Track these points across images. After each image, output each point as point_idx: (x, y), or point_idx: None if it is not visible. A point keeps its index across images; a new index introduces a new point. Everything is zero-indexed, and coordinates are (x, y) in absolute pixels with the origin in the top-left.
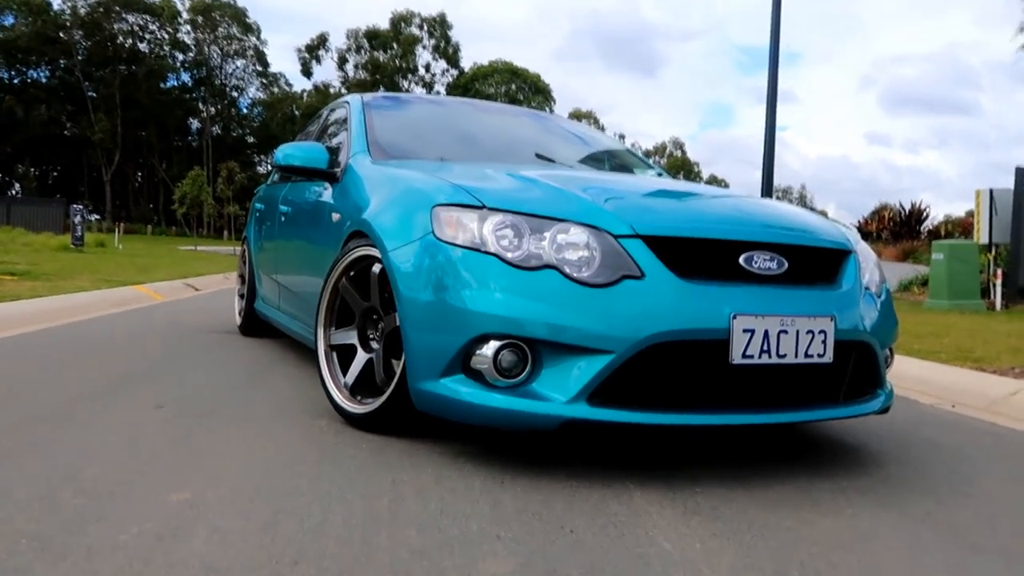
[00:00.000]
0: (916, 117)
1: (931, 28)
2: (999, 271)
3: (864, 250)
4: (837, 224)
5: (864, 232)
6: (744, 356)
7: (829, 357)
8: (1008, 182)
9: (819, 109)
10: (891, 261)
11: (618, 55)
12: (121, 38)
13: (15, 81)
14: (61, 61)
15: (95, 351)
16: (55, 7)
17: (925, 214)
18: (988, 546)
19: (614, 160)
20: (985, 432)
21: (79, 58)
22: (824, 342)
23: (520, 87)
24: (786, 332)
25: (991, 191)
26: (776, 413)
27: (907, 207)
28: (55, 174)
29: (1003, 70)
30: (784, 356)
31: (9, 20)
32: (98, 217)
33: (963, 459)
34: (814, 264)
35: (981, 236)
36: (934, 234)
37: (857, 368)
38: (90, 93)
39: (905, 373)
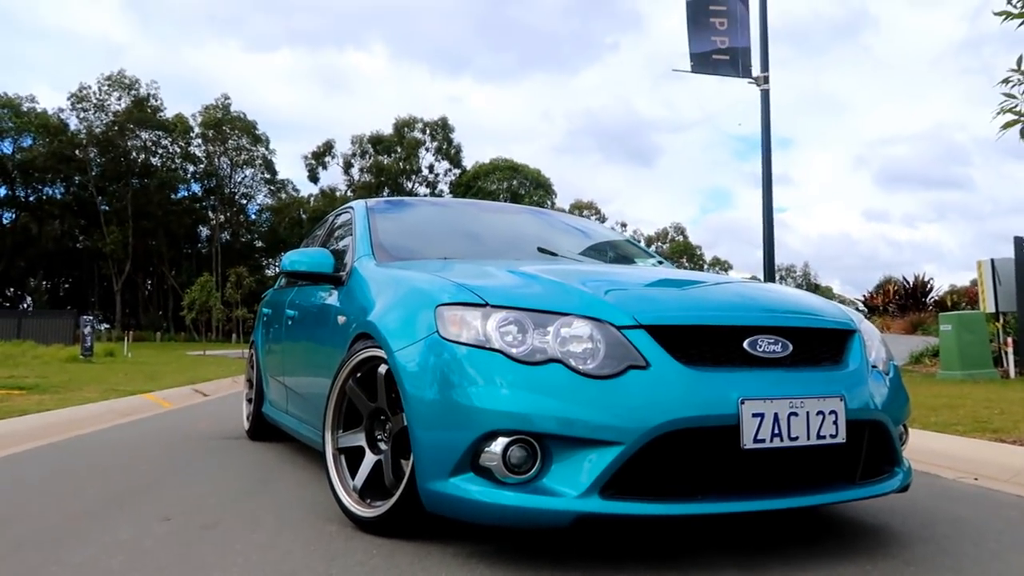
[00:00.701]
0: (911, 192)
1: (916, 109)
2: (1009, 339)
3: (868, 328)
4: (839, 305)
5: (870, 306)
6: (756, 440)
7: (842, 437)
8: (1007, 251)
9: (815, 190)
10: (900, 334)
11: (615, 148)
12: (135, 154)
13: (31, 199)
14: (76, 178)
15: (100, 464)
16: (72, 127)
17: (930, 285)
18: None
19: (615, 251)
20: (1011, 505)
21: (93, 174)
22: (836, 422)
23: (521, 182)
24: (796, 414)
25: (992, 261)
26: (792, 497)
27: (911, 279)
28: (67, 285)
29: (990, 145)
30: (796, 438)
31: (28, 142)
32: (108, 326)
33: (989, 534)
34: (819, 345)
35: (987, 305)
36: (940, 304)
37: (872, 447)
38: (103, 207)
39: (924, 447)
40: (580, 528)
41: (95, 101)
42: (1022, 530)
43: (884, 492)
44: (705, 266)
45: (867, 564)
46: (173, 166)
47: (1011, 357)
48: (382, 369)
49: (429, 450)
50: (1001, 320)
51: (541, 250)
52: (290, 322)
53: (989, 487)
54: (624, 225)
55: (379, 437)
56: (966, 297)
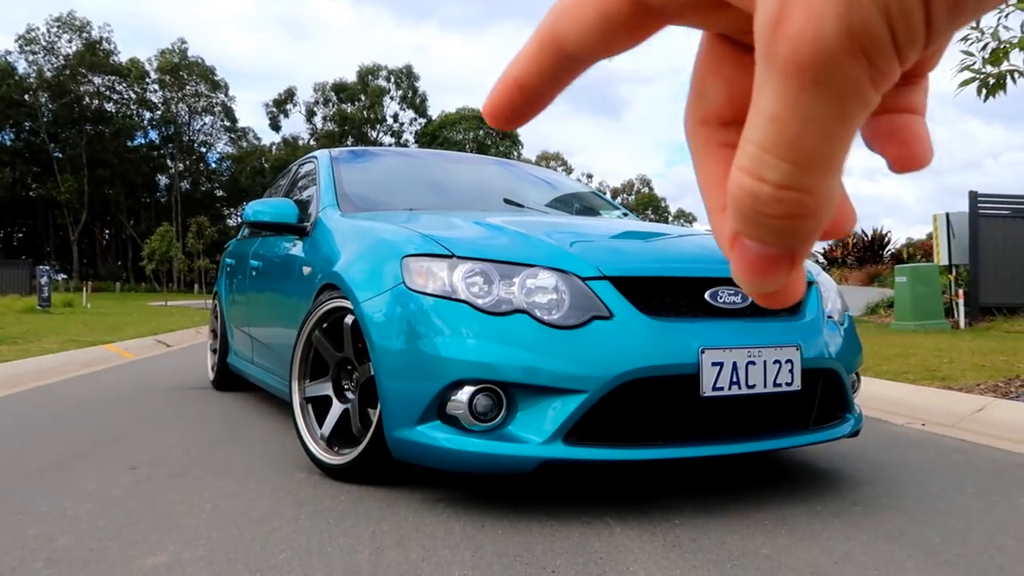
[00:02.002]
0: None
1: None
2: (961, 291)
3: (825, 280)
4: None
5: (830, 259)
6: (714, 389)
7: (797, 385)
8: (963, 205)
9: None
10: (857, 285)
11: (583, 99)
12: (88, 99)
13: None
14: (27, 124)
15: (63, 416)
16: (20, 71)
17: (887, 239)
18: (960, 563)
19: (580, 203)
20: (954, 449)
21: (45, 120)
22: (791, 371)
23: (488, 133)
24: (754, 363)
25: (947, 215)
26: (748, 442)
27: (870, 233)
28: (20, 235)
29: (947, 101)
30: (753, 386)
31: None
32: (65, 276)
33: (934, 477)
34: None
35: (941, 258)
36: (897, 257)
37: (825, 394)
38: (56, 154)
39: (876, 394)
40: (544, 473)
41: (44, 43)
42: (964, 472)
43: (836, 437)
44: (670, 218)
45: (817, 505)
46: (129, 112)
47: (962, 308)
48: (348, 320)
49: (396, 399)
50: (954, 272)
51: (507, 201)
52: (254, 273)
53: (936, 432)
54: (590, 177)
55: (346, 386)
56: (922, 250)
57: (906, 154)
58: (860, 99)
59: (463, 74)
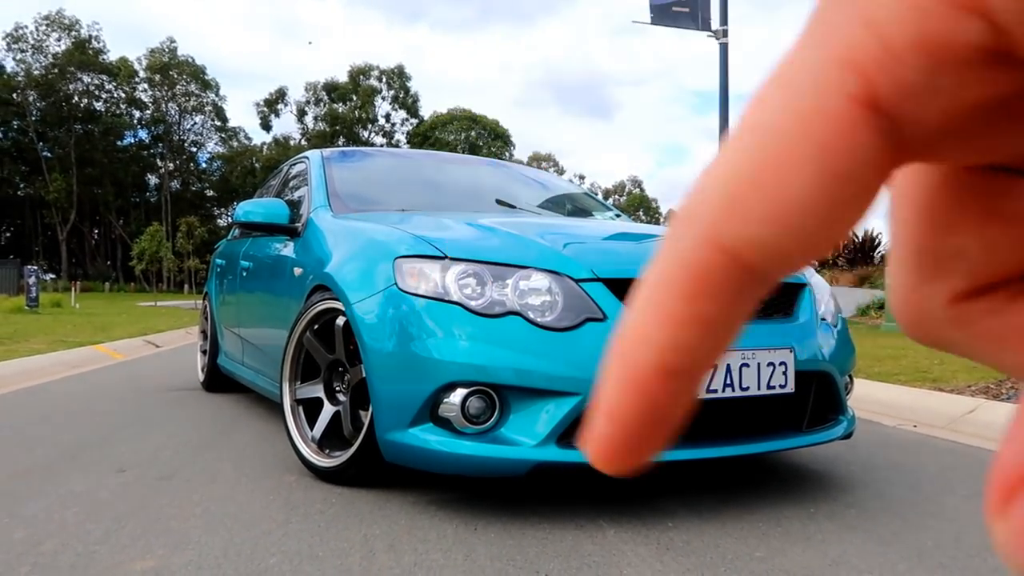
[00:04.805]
0: None
1: None
2: None
3: (818, 282)
4: None
5: (821, 260)
6: (708, 391)
7: (791, 387)
8: None
9: None
10: (848, 287)
11: (574, 101)
12: (77, 98)
13: None
14: (15, 122)
15: (50, 417)
16: (8, 69)
17: (877, 241)
18: (953, 565)
19: (573, 204)
20: (946, 450)
21: (33, 119)
22: (785, 373)
23: (480, 133)
24: (748, 365)
25: None
26: (742, 445)
27: (860, 234)
28: (8, 234)
29: None
30: (747, 389)
31: None
32: (53, 277)
33: (926, 478)
34: (771, 298)
35: None
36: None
37: (818, 397)
38: (44, 153)
39: (868, 396)
40: (537, 476)
41: (32, 42)
42: (956, 474)
43: (829, 439)
44: (661, 219)
45: (811, 507)
46: (118, 112)
47: None
48: (340, 321)
49: (388, 401)
50: None
51: (500, 202)
52: (245, 273)
53: (927, 434)
54: (582, 178)
55: (337, 388)
56: None
57: None
58: None
59: (455, 75)
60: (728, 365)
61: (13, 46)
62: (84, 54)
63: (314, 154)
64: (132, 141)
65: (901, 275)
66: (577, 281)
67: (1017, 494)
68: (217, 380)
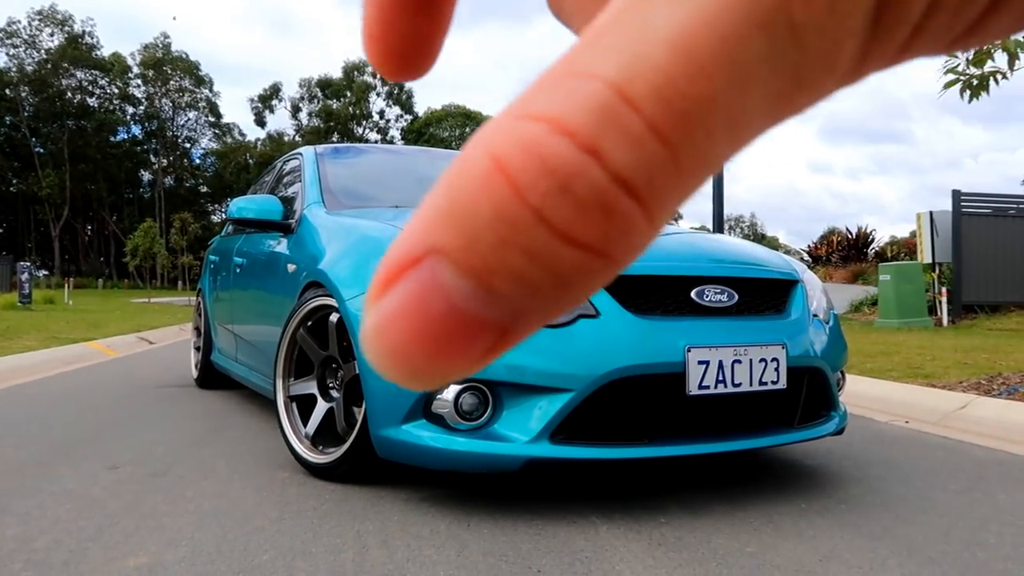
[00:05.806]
0: (854, 146)
1: None
2: (944, 289)
3: (811, 279)
4: (784, 255)
5: (815, 256)
6: (700, 387)
7: (783, 383)
8: (945, 203)
9: (762, 142)
10: (842, 283)
11: None
12: (70, 94)
13: None
14: (7, 118)
15: (43, 414)
16: (1, 64)
17: (871, 237)
18: (943, 560)
19: None
20: (937, 446)
21: (26, 114)
22: (777, 369)
23: (474, 130)
24: (740, 362)
25: (931, 213)
26: (734, 440)
27: (854, 231)
28: (0, 231)
29: (929, 101)
30: (739, 385)
31: None
32: (46, 273)
33: (917, 474)
34: (763, 294)
35: (924, 256)
36: (881, 255)
37: (810, 393)
38: (37, 149)
39: (861, 392)
40: (530, 472)
41: (25, 37)
42: (947, 470)
43: (821, 435)
44: None
45: (803, 503)
46: (111, 107)
47: (945, 306)
48: (333, 318)
49: (382, 398)
50: (937, 271)
51: None
52: (238, 270)
53: (919, 430)
54: None
55: (331, 385)
56: (905, 248)
57: None
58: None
59: (449, 72)
60: (720, 361)
61: (6, 41)
62: (77, 49)
63: (308, 150)
64: (125, 137)
65: None
66: None
67: (400, 278)
68: (211, 377)
